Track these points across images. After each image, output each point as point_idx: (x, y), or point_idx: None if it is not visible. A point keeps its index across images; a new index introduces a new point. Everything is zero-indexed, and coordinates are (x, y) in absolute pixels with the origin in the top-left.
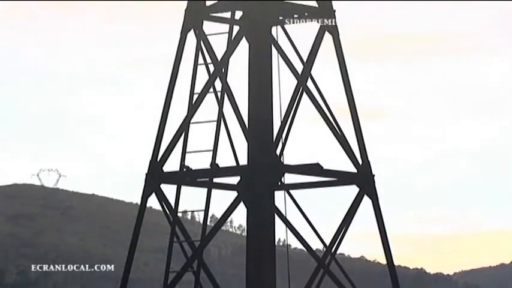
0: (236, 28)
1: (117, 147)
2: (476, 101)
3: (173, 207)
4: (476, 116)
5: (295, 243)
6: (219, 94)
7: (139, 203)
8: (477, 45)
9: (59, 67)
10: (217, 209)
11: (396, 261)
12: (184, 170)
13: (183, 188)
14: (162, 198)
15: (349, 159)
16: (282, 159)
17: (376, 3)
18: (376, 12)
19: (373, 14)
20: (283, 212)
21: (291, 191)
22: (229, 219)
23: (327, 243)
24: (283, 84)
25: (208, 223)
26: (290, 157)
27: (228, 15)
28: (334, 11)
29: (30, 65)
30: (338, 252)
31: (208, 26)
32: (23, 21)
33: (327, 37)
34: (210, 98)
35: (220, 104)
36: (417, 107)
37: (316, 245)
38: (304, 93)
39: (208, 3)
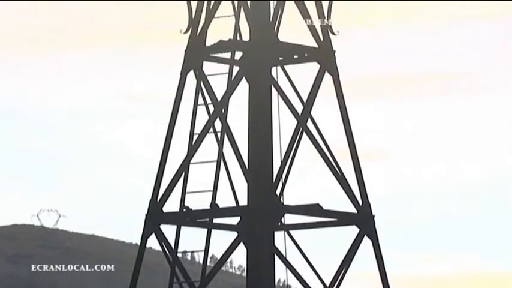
0: (236, 68)
1: (118, 187)
2: (476, 138)
3: (173, 247)
4: (476, 154)
5: (295, 284)
6: (219, 134)
7: (139, 243)
8: (477, 84)
9: (59, 105)
10: (217, 250)
11: None
12: (184, 210)
13: (183, 228)
14: (162, 238)
15: (349, 199)
16: (282, 199)
17: (376, 44)
18: (376, 52)
19: (373, 54)
20: (283, 253)
21: (291, 231)
22: (229, 260)
23: (327, 283)
24: (283, 124)
25: (208, 263)
26: (290, 197)
27: (228, 55)
28: (334, 51)
29: (33, 104)
30: None
31: (208, 66)
32: (25, 60)
33: (327, 77)
34: (210, 138)
35: (220, 144)
36: (418, 145)
37: (316, 285)
38: (304, 134)
39: (208, 43)
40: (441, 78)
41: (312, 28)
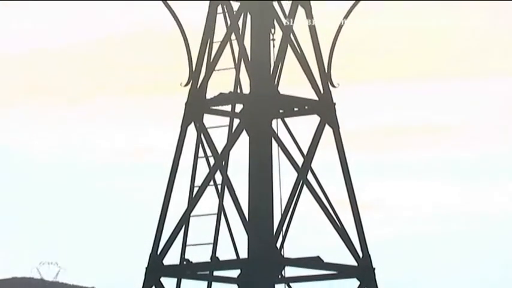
0: (236, 121)
1: (118, 240)
2: (476, 189)
3: None
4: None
5: None
6: (219, 187)
7: None
8: (476, 135)
9: (59, 158)
10: None
11: None
12: (185, 263)
13: (184, 281)
14: None
15: (350, 252)
16: (282, 252)
17: (376, 96)
18: (376, 104)
19: (373, 105)
20: None
21: (292, 284)
22: None
23: None
24: (283, 176)
25: None
26: (290, 249)
27: (228, 108)
28: (334, 104)
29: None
30: None
31: (208, 119)
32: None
33: (327, 129)
34: (210, 190)
35: (221, 197)
36: (419, 200)
37: None
38: (305, 186)
39: (208, 95)
40: (442, 130)
41: (312, 80)
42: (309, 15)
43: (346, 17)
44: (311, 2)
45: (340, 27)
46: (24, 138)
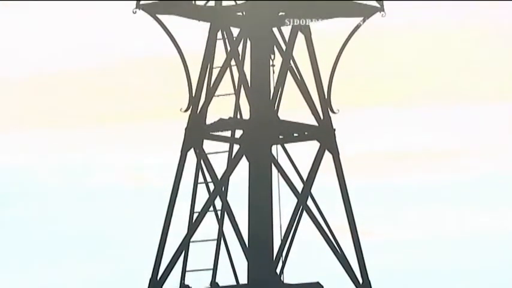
0: (236, 147)
1: (117, 264)
2: (478, 213)
3: None
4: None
5: None
6: (219, 213)
7: None
8: (479, 163)
9: (58, 181)
10: None
11: None
12: None
13: None
14: None
15: (349, 278)
16: (282, 277)
17: (376, 121)
18: (376, 129)
19: (373, 131)
20: None
21: None
22: None
23: None
24: (283, 201)
25: None
26: (291, 275)
27: (228, 133)
28: (334, 129)
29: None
30: None
31: (208, 144)
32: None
33: (327, 154)
34: (210, 216)
35: (220, 222)
36: (421, 228)
37: None
38: (304, 211)
39: (208, 120)
40: (443, 156)
41: (312, 106)
42: (309, 41)
43: (346, 42)
44: (311, 28)
45: (340, 53)
46: (24, 161)
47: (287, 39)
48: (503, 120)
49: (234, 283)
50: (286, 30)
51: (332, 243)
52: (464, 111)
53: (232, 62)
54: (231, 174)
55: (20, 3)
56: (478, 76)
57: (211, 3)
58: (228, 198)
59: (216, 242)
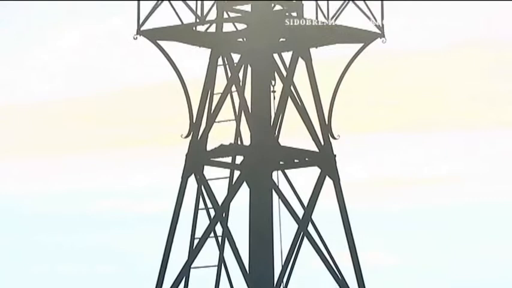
0: (237, 173)
1: None
2: (481, 239)
3: None
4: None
5: None
6: (219, 239)
7: None
8: (480, 189)
9: (58, 209)
10: None
11: None
12: None
13: None
14: None
15: None
16: None
17: (377, 147)
18: (377, 154)
19: (374, 156)
20: None
21: None
22: None
23: None
24: (284, 227)
25: None
26: None
27: (229, 159)
28: (335, 155)
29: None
30: None
31: (209, 170)
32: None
33: (328, 180)
34: (211, 242)
35: (221, 248)
36: (422, 255)
37: None
38: (305, 237)
39: (209, 146)
40: (444, 181)
41: (312, 132)
42: (309, 66)
43: (346, 68)
44: (311, 53)
45: (341, 79)
46: (24, 188)
47: (288, 65)
48: (503, 147)
49: None
50: (287, 56)
51: (333, 268)
52: (464, 137)
53: (233, 88)
54: (231, 200)
55: (17, 28)
56: (478, 102)
57: (212, 30)
58: (228, 224)
59: (216, 268)
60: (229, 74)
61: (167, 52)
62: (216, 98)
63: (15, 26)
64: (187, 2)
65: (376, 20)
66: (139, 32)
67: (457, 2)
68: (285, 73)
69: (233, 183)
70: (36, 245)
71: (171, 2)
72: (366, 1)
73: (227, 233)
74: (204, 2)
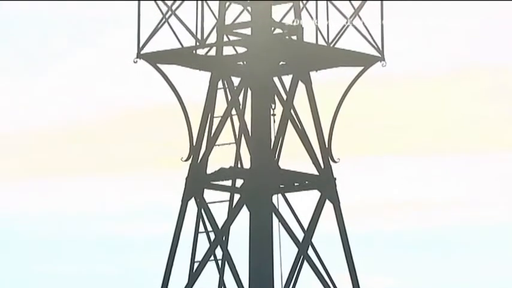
0: (237, 196)
1: None
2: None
3: None
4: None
5: None
6: (219, 262)
7: None
8: (480, 212)
9: (56, 231)
10: None
11: None
12: None
13: None
14: None
15: None
16: None
17: (376, 171)
18: (378, 178)
19: (373, 179)
20: None
21: None
22: None
23: None
24: (284, 250)
25: None
26: None
27: (229, 183)
28: (335, 178)
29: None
30: None
31: (209, 193)
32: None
33: (328, 204)
34: (211, 266)
35: (221, 272)
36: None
37: None
38: (305, 260)
39: (209, 169)
40: (444, 205)
41: (312, 155)
42: (309, 90)
43: (346, 91)
44: (311, 77)
45: (340, 103)
46: (25, 210)
47: (288, 88)
48: (504, 171)
49: None
50: (287, 79)
51: None
52: (464, 160)
53: (233, 111)
54: (231, 223)
55: (19, 53)
56: (479, 126)
57: (212, 53)
58: (228, 248)
59: None
60: (229, 97)
61: (167, 75)
62: (216, 121)
63: (17, 51)
64: (187, 25)
65: (376, 45)
66: (139, 55)
67: (457, 24)
68: (285, 96)
69: (233, 206)
70: (35, 275)
71: (171, 25)
72: (366, 24)
73: (227, 257)
74: (204, 25)
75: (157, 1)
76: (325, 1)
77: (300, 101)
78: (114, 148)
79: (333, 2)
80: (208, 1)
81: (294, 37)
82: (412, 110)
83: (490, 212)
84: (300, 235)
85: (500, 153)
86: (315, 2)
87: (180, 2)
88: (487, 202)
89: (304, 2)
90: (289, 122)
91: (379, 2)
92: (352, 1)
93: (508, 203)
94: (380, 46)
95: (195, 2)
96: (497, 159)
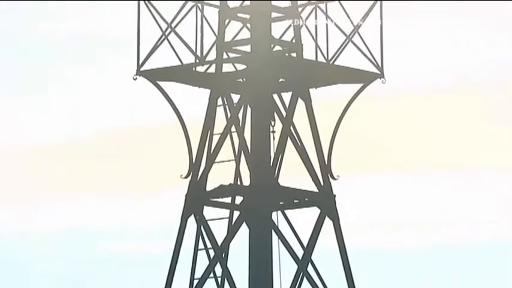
0: (237, 213)
1: None
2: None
3: None
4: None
5: None
6: (219, 279)
7: None
8: (480, 231)
9: (55, 251)
10: None
11: None
12: None
13: None
14: None
15: None
16: None
17: (376, 188)
18: (376, 197)
19: (373, 198)
20: None
21: None
22: None
23: None
24: (283, 267)
25: None
26: None
27: (228, 200)
28: (335, 196)
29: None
30: None
31: (208, 210)
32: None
33: (328, 221)
34: (210, 283)
35: None
36: None
37: None
38: (305, 277)
39: (209, 186)
40: (444, 223)
41: (312, 172)
42: (309, 107)
43: (346, 108)
44: (311, 94)
45: (340, 120)
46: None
47: (287, 105)
48: (503, 190)
49: None
50: (287, 96)
51: None
52: (466, 179)
53: (233, 129)
54: (231, 240)
55: (17, 72)
56: (478, 143)
57: (212, 70)
58: (228, 265)
59: None
60: (229, 114)
61: (167, 92)
62: (215, 138)
63: (15, 70)
64: (187, 42)
65: (376, 62)
66: (139, 72)
67: (456, 41)
68: (284, 113)
69: (233, 223)
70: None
71: (171, 42)
72: (365, 42)
73: (227, 274)
74: (204, 42)
75: (157, 18)
76: (325, 18)
77: (300, 118)
78: (113, 165)
79: (333, 19)
80: (207, 19)
81: (294, 54)
82: (412, 126)
83: (491, 230)
84: (300, 252)
85: (500, 172)
86: (314, 19)
87: (179, 19)
88: (487, 220)
89: (304, 19)
90: (288, 139)
91: (379, 19)
92: (351, 19)
93: (506, 221)
94: (379, 63)
95: (195, 19)
96: (498, 179)
